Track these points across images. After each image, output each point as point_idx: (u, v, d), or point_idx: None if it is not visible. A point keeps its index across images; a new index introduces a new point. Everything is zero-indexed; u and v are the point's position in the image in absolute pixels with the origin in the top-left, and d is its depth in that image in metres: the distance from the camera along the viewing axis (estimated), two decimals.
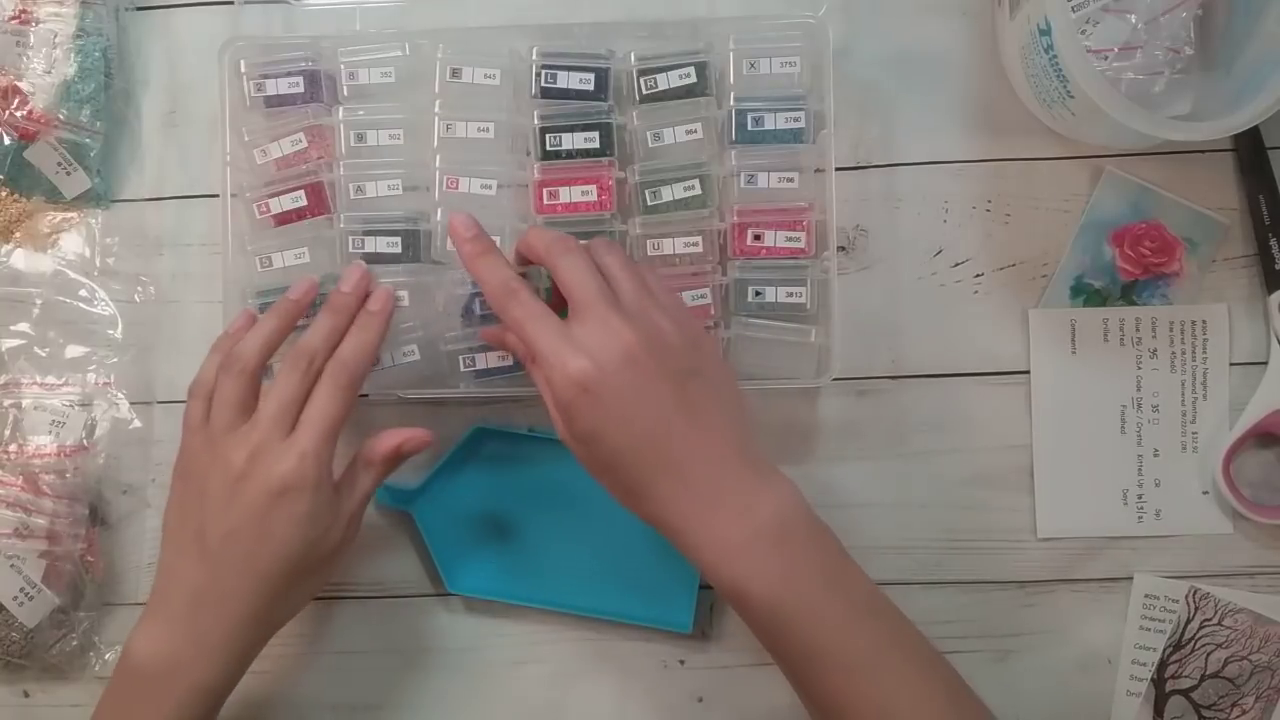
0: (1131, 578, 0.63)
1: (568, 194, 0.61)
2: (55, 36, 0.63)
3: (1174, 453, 0.63)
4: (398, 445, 0.57)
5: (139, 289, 0.66)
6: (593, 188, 0.61)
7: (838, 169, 0.60)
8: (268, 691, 0.65)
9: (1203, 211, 0.63)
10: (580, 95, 0.61)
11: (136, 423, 0.65)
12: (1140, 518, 0.63)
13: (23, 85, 0.63)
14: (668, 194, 0.61)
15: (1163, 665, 0.62)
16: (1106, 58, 0.60)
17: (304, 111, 0.62)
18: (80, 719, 0.65)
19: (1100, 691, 0.63)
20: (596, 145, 0.61)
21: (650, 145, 0.61)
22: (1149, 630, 0.62)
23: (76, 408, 0.64)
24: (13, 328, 0.65)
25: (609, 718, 0.64)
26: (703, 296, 0.61)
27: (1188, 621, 0.62)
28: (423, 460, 0.63)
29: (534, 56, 0.61)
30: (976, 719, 0.51)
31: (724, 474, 0.50)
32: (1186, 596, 0.62)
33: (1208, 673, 0.62)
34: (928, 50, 0.65)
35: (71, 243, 0.66)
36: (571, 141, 0.61)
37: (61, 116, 0.64)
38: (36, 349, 0.65)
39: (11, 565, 0.61)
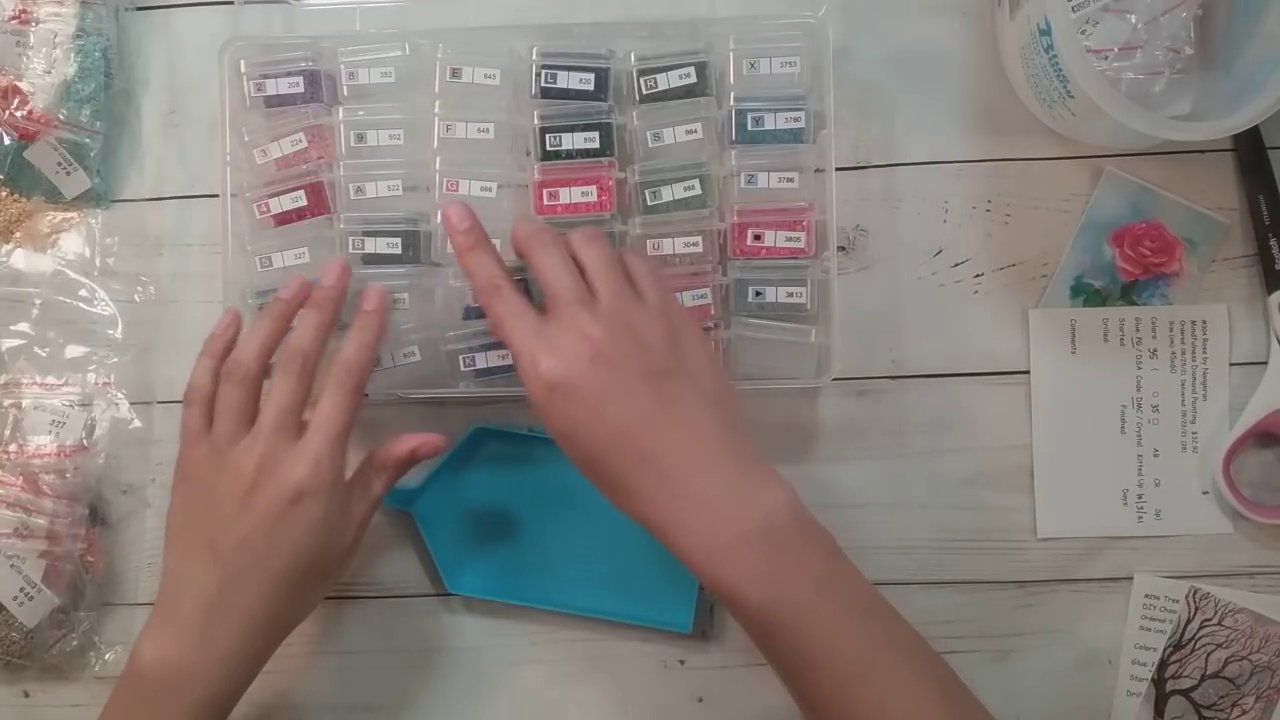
0: (1131, 578, 0.63)
1: (568, 194, 0.61)
2: (55, 36, 0.63)
3: (1174, 453, 0.63)
4: (412, 450, 0.57)
5: (139, 289, 0.66)
6: (593, 188, 0.61)
7: (838, 169, 0.60)
8: (268, 691, 0.65)
9: (1203, 211, 0.63)
10: (580, 95, 0.61)
11: (136, 423, 0.65)
12: (1140, 518, 0.63)
13: (23, 85, 0.63)
14: (668, 194, 0.61)
15: (1163, 665, 0.62)
16: (1106, 58, 0.60)
17: (304, 111, 0.62)
18: (80, 719, 0.65)
19: (1100, 691, 0.63)
20: (596, 145, 0.61)
21: (650, 145, 0.61)
22: (1149, 630, 0.62)
23: (76, 408, 0.64)
24: (13, 328, 0.65)
25: (609, 718, 0.64)
26: (703, 296, 0.61)
27: (1188, 621, 0.62)
28: (423, 460, 0.63)
29: (534, 56, 0.61)
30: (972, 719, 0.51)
31: (710, 473, 0.49)
32: (1186, 596, 0.62)
33: (1208, 673, 0.62)
34: (928, 50, 0.65)
35: (71, 243, 0.66)
36: (571, 141, 0.61)
37: (61, 116, 0.64)
38: (36, 349, 0.65)
39: (11, 565, 0.61)
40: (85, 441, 0.64)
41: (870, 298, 0.64)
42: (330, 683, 0.65)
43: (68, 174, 0.65)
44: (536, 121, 0.61)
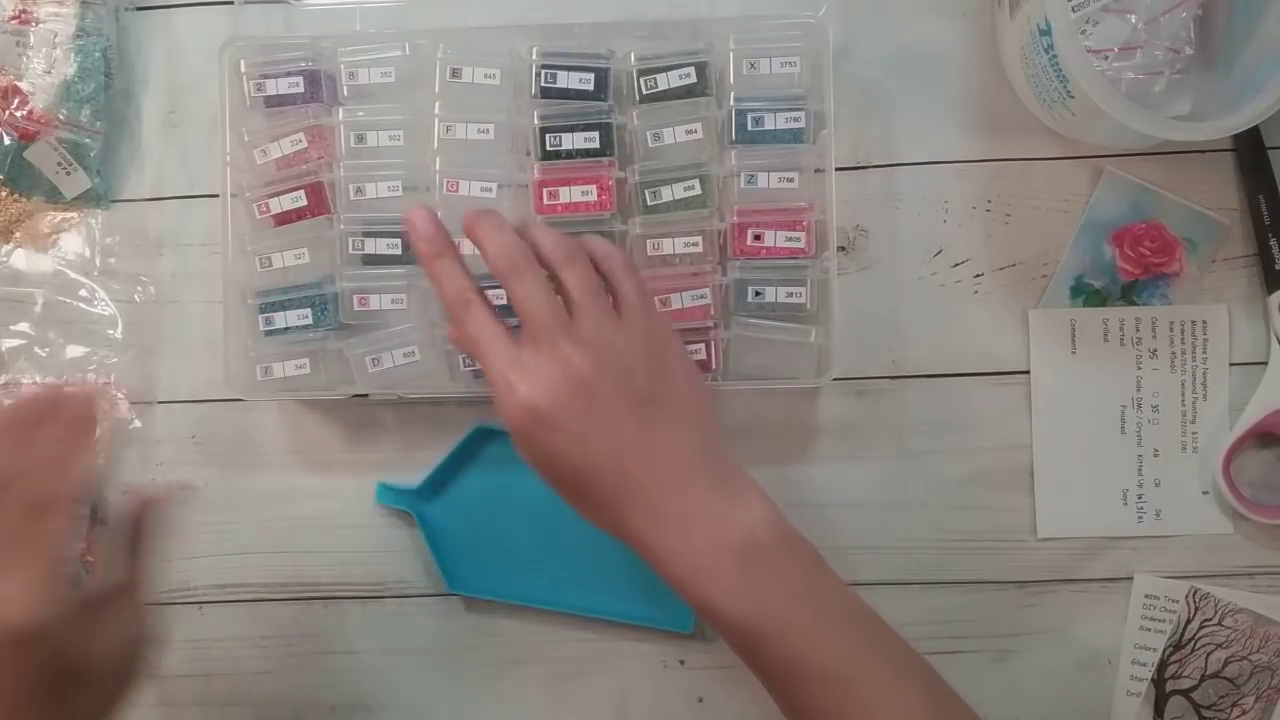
0: (1131, 578, 0.63)
1: (568, 194, 0.61)
2: (55, 36, 0.63)
3: (1174, 453, 0.63)
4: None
5: (139, 289, 0.66)
6: (593, 188, 0.61)
7: (838, 169, 0.60)
8: (268, 691, 0.65)
9: (1203, 211, 0.63)
10: (580, 95, 0.61)
11: (136, 423, 0.65)
12: (1140, 518, 0.63)
13: (23, 85, 0.63)
14: (668, 194, 0.61)
15: (1163, 665, 0.62)
16: (1106, 58, 0.61)
17: (304, 111, 0.62)
18: None
19: (1100, 691, 0.63)
20: (596, 145, 0.61)
21: (650, 145, 0.61)
22: (1149, 630, 0.62)
23: None
24: (13, 328, 0.65)
25: (609, 718, 0.64)
26: (703, 296, 0.61)
27: (1188, 621, 0.62)
28: (423, 460, 0.63)
29: (534, 56, 0.61)
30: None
31: (691, 495, 0.49)
32: (1186, 596, 0.62)
33: (1208, 673, 0.62)
34: (928, 50, 0.65)
35: (71, 243, 0.66)
36: (571, 141, 0.61)
37: (61, 116, 0.64)
38: (36, 349, 0.65)
39: None
40: None
41: (870, 298, 0.64)
42: (330, 683, 0.65)
43: (68, 174, 0.65)
44: (536, 121, 0.61)
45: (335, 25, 0.65)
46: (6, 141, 0.64)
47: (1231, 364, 0.63)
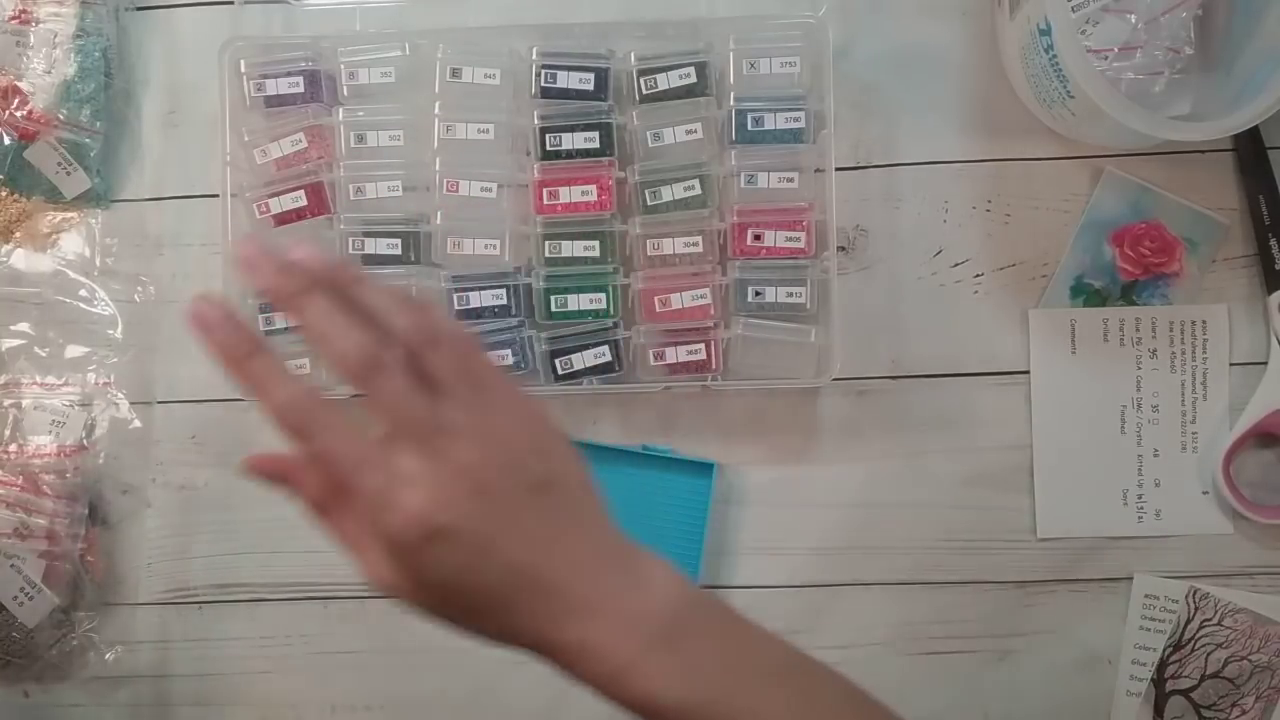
0: (1131, 578, 0.63)
1: (568, 194, 0.61)
2: (55, 36, 0.63)
3: (1174, 453, 0.63)
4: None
5: (139, 289, 0.66)
6: (593, 187, 0.61)
7: (838, 169, 0.60)
8: (268, 691, 0.65)
9: (1203, 211, 0.63)
10: (580, 95, 0.61)
11: (136, 423, 0.65)
12: (1140, 518, 0.63)
13: (23, 85, 0.63)
14: (668, 194, 0.61)
15: (1163, 665, 0.62)
16: (1106, 58, 0.60)
17: (304, 111, 0.62)
18: (80, 719, 0.65)
19: (1100, 691, 0.63)
20: (596, 145, 0.61)
21: (650, 145, 0.61)
22: (1149, 630, 0.62)
23: (76, 408, 0.64)
24: (13, 328, 0.65)
25: (609, 717, 0.64)
26: (703, 296, 0.61)
27: (1188, 621, 0.62)
28: None
29: (534, 56, 0.61)
30: None
31: (601, 584, 0.43)
32: (1186, 596, 0.62)
33: (1208, 673, 0.62)
34: (927, 50, 0.65)
35: (71, 243, 0.66)
36: (571, 141, 0.61)
37: (61, 116, 0.64)
38: (36, 349, 0.65)
39: (11, 565, 0.61)
40: (85, 441, 0.64)
41: (870, 298, 0.64)
42: (330, 682, 0.65)
43: (68, 174, 0.65)
44: (536, 121, 0.61)
45: (335, 25, 0.65)
46: (6, 141, 0.64)
47: (1231, 364, 0.63)
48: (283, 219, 0.62)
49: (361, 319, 0.41)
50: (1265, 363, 0.62)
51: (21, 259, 0.66)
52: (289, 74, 0.62)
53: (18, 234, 0.66)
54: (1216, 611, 0.62)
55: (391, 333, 0.41)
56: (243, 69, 0.62)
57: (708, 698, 0.44)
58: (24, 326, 0.65)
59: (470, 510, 0.40)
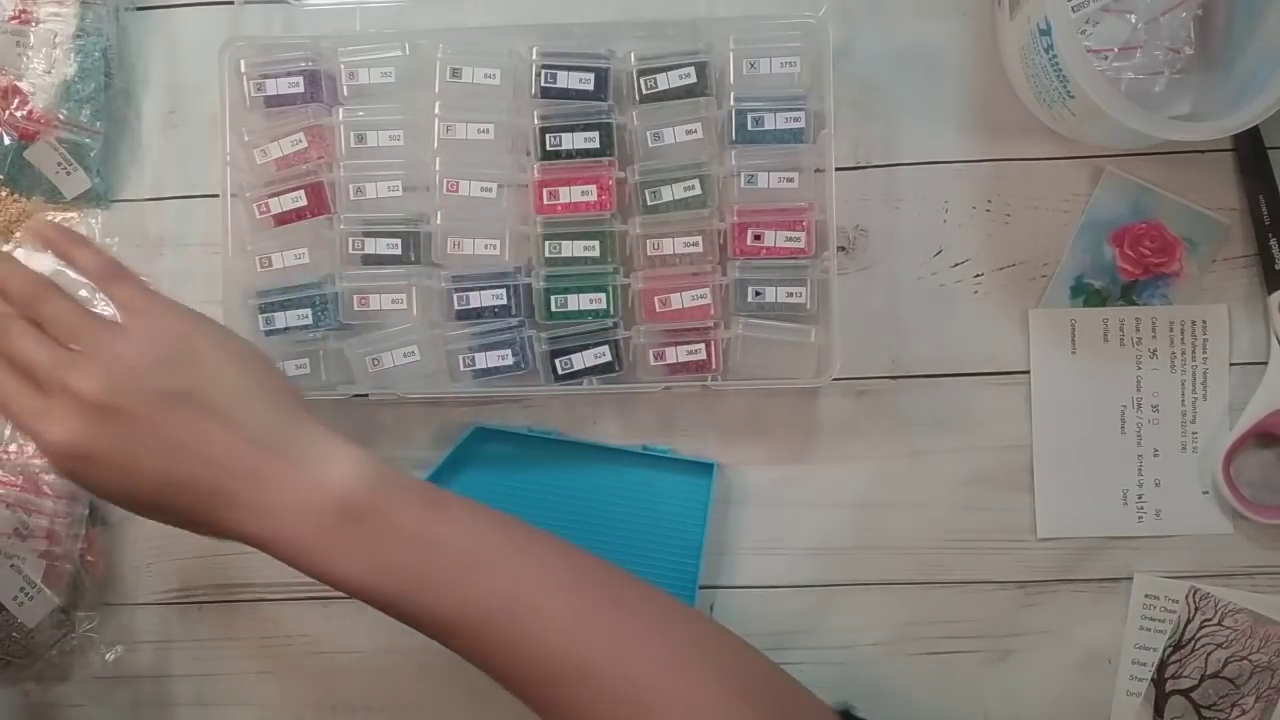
0: (1131, 578, 0.63)
1: (568, 194, 0.61)
2: (55, 36, 0.63)
3: (1174, 453, 0.63)
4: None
5: None
6: (593, 188, 0.61)
7: (838, 169, 0.60)
8: (268, 691, 0.65)
9: (1203, 211, 0.63)
10: (580, 95, 0.61)
11: None
12: (1140, 518, 0.63)
13: (23, 85, 0.63)
14: (668, 194, 0.61)
15: (1163, 665, 0.62)
16: (1106, 58, 0.61)
17: (304, 111, 0.62)
18: (80, 719, 0.65)
19: (1100, 691, 0.63)
20: (596, 145, 0.61)
21: (650, 145, 0.61)
22: (1149, 630, 0.62)
23: None
24: None
25: None
26: (703, 296, 0.61)
27: (1188, 621, 0.62)
28: (423, 460, 0.63)
29: (534, 56, 0.61)
30: (634, 606, 0.49)
31: (266, 475, 0.47)
32: (1186, 596, 0.62)
33: (1208, 673, 0.62)
34: (927, 51, 0.65)
35: None
36: (571, 141, 0.61)
37: (61, 116, 0.64)
38: None
39: (11, 565, 0.61)
40: None
41: (870, 298, 0.64)
42: (330, 683, 0.65)
43: (68, 174, 0.65)
44: (536, 121, 0.61)
45: (335, 25, 0.65)
46: (6, 141, 0.64)
47: (1231, 364, 0.63)
48: (283, 219, 0.62)
49: None
50: (1265, 363, 0.62)
51: (22, 259, 0.66)
52: (289, 74, 0.62)
53: (18, 234, 0.66)
54: (1217, 611, 0.62)
55: (6, 295, 0.48)
56: (243, 69, 0.62)
57: (392, 578, 0.47)
58: None
59: (99, 433, 0.46)
